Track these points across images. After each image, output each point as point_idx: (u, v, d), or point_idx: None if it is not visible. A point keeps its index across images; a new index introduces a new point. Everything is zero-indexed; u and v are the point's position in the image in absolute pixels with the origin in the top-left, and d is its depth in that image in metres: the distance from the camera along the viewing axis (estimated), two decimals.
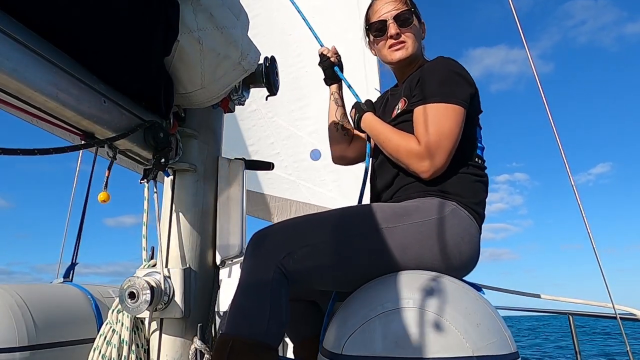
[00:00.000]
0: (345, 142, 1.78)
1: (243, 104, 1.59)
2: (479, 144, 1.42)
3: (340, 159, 1.83)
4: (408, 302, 0.89)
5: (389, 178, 1.43)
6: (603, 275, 1.67)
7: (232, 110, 1.57)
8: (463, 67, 1.40)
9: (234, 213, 1.45)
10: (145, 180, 1.24)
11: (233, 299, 1.17)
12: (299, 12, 1.77)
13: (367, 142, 1.61)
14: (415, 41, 1.55)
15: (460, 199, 1.29)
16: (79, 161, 2.53)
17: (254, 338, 1.07)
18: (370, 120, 1.48)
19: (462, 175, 1.34)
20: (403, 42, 1.53)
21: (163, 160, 1.20)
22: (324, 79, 1.77)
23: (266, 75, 1.51)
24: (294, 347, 1.61)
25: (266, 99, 1.62)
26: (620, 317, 1.68)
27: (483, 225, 1.36)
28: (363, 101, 1.58)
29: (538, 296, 1.86)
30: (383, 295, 0.95)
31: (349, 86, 1.66)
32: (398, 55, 1.55)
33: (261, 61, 1.51)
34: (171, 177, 1.39)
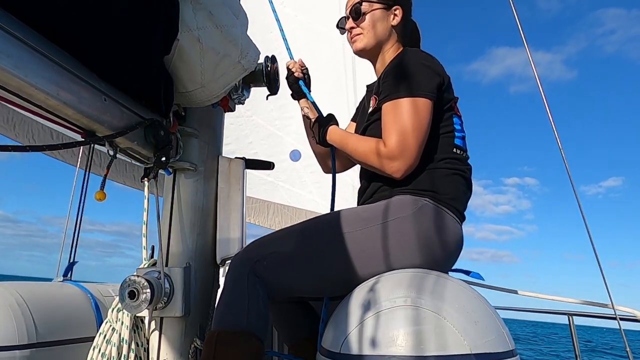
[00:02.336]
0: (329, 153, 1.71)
1: (243, 103, 1.59)
2: (457, 134, 1.38)
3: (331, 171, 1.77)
4: (406, 301, 0.89)
5: (367, 181, 1.43)
6: (603, 275, 1.67)
7: (232, 110, 1.57)
8: (430, 57, 1.37)
9: (234, 212, 1.45)
10: (146, 179, 1.25)
11: (217, 303, 1.24)
12: (277, 19, 1.75)
13: (331, 151, 1.60)
14: (371, 30, 1.52)
15: (433, 194, 1.27)
16: (79, 159, 2.53)
17: (237, 327, 1.15)
18: (334, 133, 1.46)
19: (437, 170, 1.31)
20: (357, 34, 1.54)
21: (164, 158, 1.20)
22: (291, 95, 1.73)
23: (267, 75, 1.51)
24: (289, 350, 1.60)
25: (267, 98, 1.62)
26: (620, 318, 1.68)
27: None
28: (325, 115, 1.55)
29: (515, 292, 1.86)
30: (381, 293, 0.95)
31: (313, 102, 1.63)
32: (354, 47, 1.57)
33: (261, 60, 1.51)
34: (172, 175, 1.40)
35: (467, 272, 1.35)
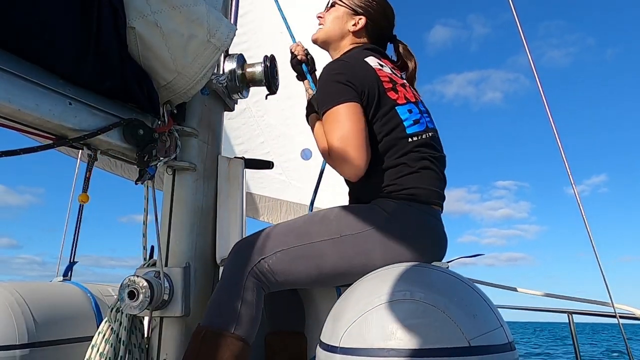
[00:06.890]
0: None
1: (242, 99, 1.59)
2: (406, 122, 1.36)
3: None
4: (405, 294, 0.90)
5: (348, 184, 1.45)
6: (603, 275, 1.67)
7: (231, 109, 1.58)
8: (342, 65, 1.39)
9: (233, 212, 1.45)
10: (140, 181, 1.24)
11: (211, 296, 1.26)
12: (279, 7, 1.78)
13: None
14: (329, 23, 1.56)
15: (402, 194, 1.29)
16: (78, 161, 2.54)
17: (225, 329, 1.17)
18: (312, 121, 1.50)
19: (394, 169, 1.31)
20: (320, 23, 1.60)
21: (146, 157, 1.18)
22: (296, 76, 1.74)
23: (266, 75, 1.52)
24: (265, 337, 1.60)
25: (266, 98, 1.63)
26: (620, 317, 1.68)
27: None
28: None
29: (515, 289, 1.86)
30: (380, 287, 0.95)
31: (313, 86, 1.64)
32: (315, 34, 1.61)
33: (260, 60, 1.52)
34: (171, 175, 1.40)
35: (468, 256, 1.37)
